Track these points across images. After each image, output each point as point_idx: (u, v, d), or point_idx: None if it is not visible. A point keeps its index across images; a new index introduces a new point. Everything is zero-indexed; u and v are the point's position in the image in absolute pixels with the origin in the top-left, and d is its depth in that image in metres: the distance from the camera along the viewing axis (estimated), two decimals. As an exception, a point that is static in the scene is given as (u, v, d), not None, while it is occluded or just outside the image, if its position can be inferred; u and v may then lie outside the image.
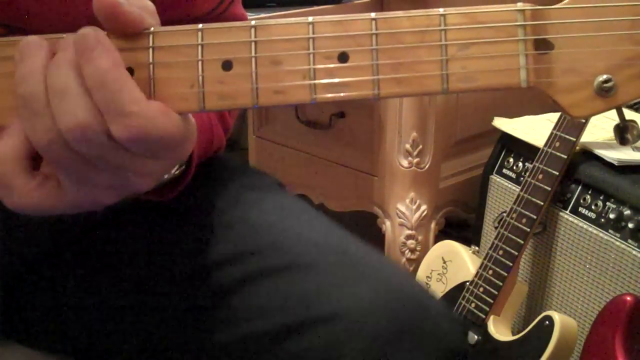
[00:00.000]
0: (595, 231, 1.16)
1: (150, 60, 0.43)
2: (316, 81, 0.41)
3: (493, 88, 0.41)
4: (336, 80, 0.41)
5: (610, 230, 1.14)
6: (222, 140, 0.68)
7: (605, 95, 0.40)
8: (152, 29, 0.43)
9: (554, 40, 0.40)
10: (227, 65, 0.42)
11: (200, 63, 0.42)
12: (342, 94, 0.41)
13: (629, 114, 1.33)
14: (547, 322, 1.13)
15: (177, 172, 0.58)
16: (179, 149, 0.45)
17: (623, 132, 0.42)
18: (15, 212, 0.45)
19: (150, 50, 0.43)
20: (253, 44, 0.42)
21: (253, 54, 0.42)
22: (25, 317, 0.68)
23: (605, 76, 0.40)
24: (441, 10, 0.41)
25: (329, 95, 0.41)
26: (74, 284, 0.66)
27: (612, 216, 1.14)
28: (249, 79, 0.42)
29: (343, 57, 0.41)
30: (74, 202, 0.45)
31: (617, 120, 0.42)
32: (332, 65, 0.41)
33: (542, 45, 0.40)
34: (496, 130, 1.36)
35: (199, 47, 0.42)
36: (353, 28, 0.41)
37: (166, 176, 0.57)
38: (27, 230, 0.66)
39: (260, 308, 0.58)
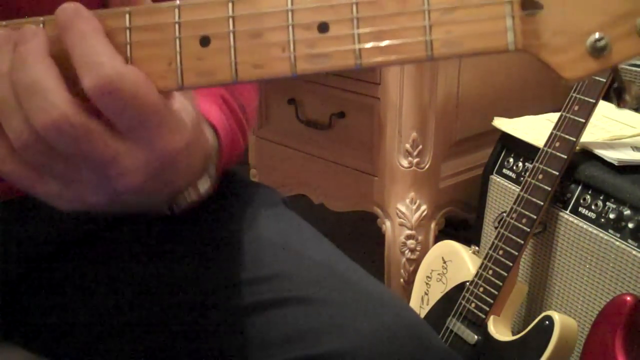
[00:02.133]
0: (595, 231, 1.16)
1: (128, 40, 0.42)
2: (296, 53, 0.40)
3: (479, 53, 0.39)
4: (317, 51, 0.40)
5: (610, 230, 1.14)
6: (242, 153, 0.67)
7: (599, 55, 0.38)
8: (129, 8, 0.43)
9: (541, 0, 0.39)
10: (205, 41, 0.42)
11: (177, 40, 0.42)
12: (323, 66, 0.40)
13: (629, 115, 1.33)
14: (547, 322, 1.13)
15: (205, 191, 0.55)
16: (161, 130, 0.43)
17: (621, 93, 0.41)
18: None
19: (128, 31, 0.42)
20: (231, 19, 0.41)
21: (231, 28, 0.41)
22: (25, 319, 0.68)
23: (597, 34, 0.38)
24: None
25: (310, 66, 0.40)
26: (75, 287, 0.66)
27: (612, 216, 1.14)
28: (228, 54, 0.41)
29: (323, 28, 0.40)
30: (62, 201, 0.45)
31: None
32: (312, 36, 0.40)
33: (530, 6, 0.39)
34: (496, 130, 1.36)
35: (176, 25, 0.42)
36: None
37: (195, 197, 0.54)
38: (27, 232, 0.66)
39: (262, 341, 0.58)
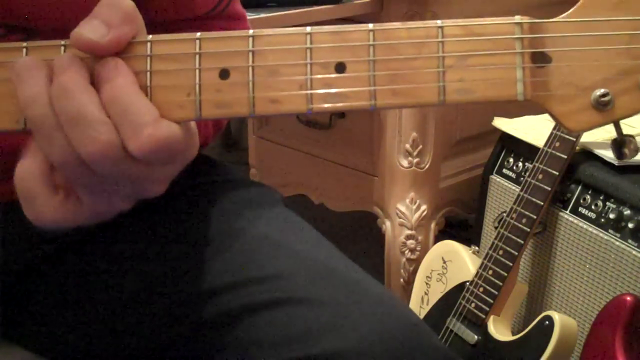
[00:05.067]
0: (595, 231, 1.16)
1: (148, 68, 0.43)
2: (313, 91, 0.41)
3: (490, 100, 0.41)
4: (333, 90, 0.41)
5: (610, 230, 1.14)
6: (208, 136, 0.68)
7: (603, 109, 0.40)
8: (150, 37, 0.44)
9: (551, 53, 0.40)
10: (224, 74, 0.42)
11: (197, 72, 0.42)
12: (338, 104, 0.41)
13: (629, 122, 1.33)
14: (547, 322, 1.13)
15: None
16: (187, 153, 0.46)
17: (620, 147, 0.42)
18: (36, 224, 0.46)
19: (148, 58, 0.43)
20: (251, 53, 0.42)
21: (250, 63, 0.42)
22: (26, 319, 0.68)
23: (602, 90, 0.39)
24: (439, 22, 0.41)
25: (326, 105, 0.41)
26: (74, 287, 0.66)
27: (612, 216, 1.14)
28: (246, 88, 0.42)
29: (340, 68, 0.41)
30: (92, 213, 0.46)
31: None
32: (329, 76, 0.41)
33: (540, 59, 0.40)
34: (496, 130, 1.36)
35: (197, 56, 0.42)
36: (351, 38, 0.41)
37: None
38: (27, 233, 0.66)
39: (258, 341, 0.58)
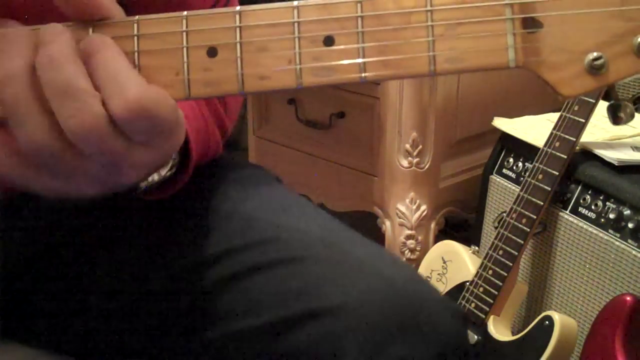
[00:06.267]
0: (595, 231, 1.16)
1: (136, 48, 0.43)
2: (302, 65, 0.41)
3: (481, 68, 0.40)
4: (322, 64, 0.41)
5: (610, 230, 1.14)
6: (219, 145, 0.68)
7: (596, 73, 0.39)
8: (137, 17, 0.43)
9: (542, 18, 0.39)
10: (212, 52, 0.42)
11: (185, 50, 0.42)
12: (328, 78, 0.41)
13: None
14: (547, 322, 1.13)
15: (167, 173, 0.58)
16: (171, 137, 0.44)
17: (616, 111, 0.41)
18: None
19: (135, 38, 0.43)
20: (238, 29, 0.42)
21: (238, 39, 0.42)
22: (25, 316, 0.68)
23: (595, 54, 0.39)
24: None
25: (315, 79, 0.41)
26: (73, 283, 0.66)
27: (612, 216, 1.14)
28: (234, 65, 0.42)
29: (329, 41, 0.41)
30: (55, 193, 0.45)
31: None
32: (317, 49, 0.41)
33: (531, 24, 0.40)
34: (496, 130, 1.36)
35: (184, 34, 0.42)
36: (338, 11, 0.41)
37: (156, 177, 0.57)
38: (26, 230, 0.66)
39: (257, 302, 0.58)
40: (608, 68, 0.39)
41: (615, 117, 0.41)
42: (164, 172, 0.57)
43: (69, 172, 0.44)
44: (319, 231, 0.62)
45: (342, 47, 0.41)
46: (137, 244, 0.66)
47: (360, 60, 0.41)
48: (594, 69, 0.39)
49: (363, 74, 0.41)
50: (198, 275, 0.62)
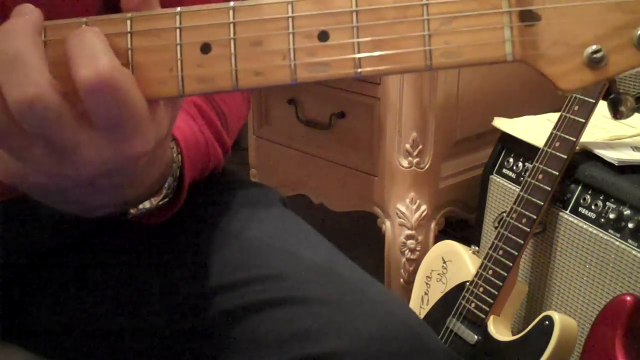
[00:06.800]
0: (595, 231, 1.16)
1: (129, 45, 0.42)
2: (296, 61, 0.41)
3: (478, 63, 0.39)
4: (317, 59, 0.40)
5: (610, 230, 1.14)
6: (220, 161, 0.67)
7: (596, 67, 0.38)
8: (130, 14, 0.43)
9: (540, 11, 0.39)
10: (205, 48, 0.42)
11: (178, 47, 0.42)
12: (323, 74, 0.40)
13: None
14: (547, 322, 1.13)
15: (161, 202, 0.56)
16: (135, 136, 0.42)
17: (617, 105, 0.41)
18: None
19: (129, 35, 0.42)
20: (232, 25, 0.41)
21: (232, 35, 0.41)
22: (25, 319, 0.68)
23: (594, 47, 0.38)
24: None
25: (310, 75, 0.41)
26: (74, 287, 0.66)
27: (612, 216, 1.14)
28: (228, 61, 0.41)
29: (323, 36, 0.40)
30: (2, 173, 0.44)
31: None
32: (312, 45, 0.40)
33: (528, 17, 0.39)
34: (496, 130, 1.36)
35: (177, 31, 0.42)
36: (333, 5, 0.40)
37: (147, 205, 0.55)
38: (26, 233, 0.66)
39: (257, 341, 0.58)
40: (607, 61, 0.38)
41: (616, 111, 0.41)
42: (155, 201, 0.55)
43: (18, 153, 0.43)
44: (323, 264, 0.61)
45: (337, 42, 0.40)
46: (139, 252, 0.66)
47: (355, 55, 0.40)
48: (593, 63, 0.38)
49: (358, 69, 0.40)
50: (196, 307, 0.61)
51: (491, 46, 0.39)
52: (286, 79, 0.41)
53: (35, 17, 0.42)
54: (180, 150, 0.56)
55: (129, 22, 0.43)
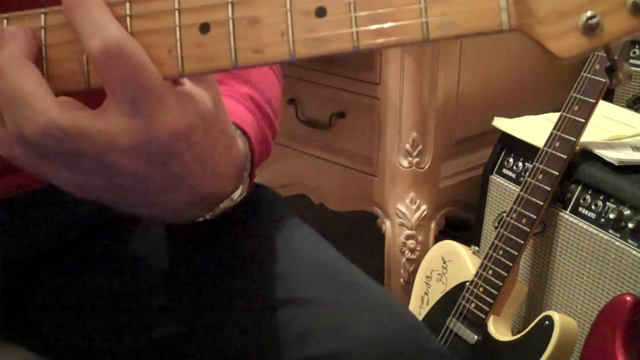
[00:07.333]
0: (595, 231, 1.16)
1: (129, 29, 0.43)
2: (294, 38, 0.41)
3: (475, 33, 0.39)
4: (315, 35, 0.41)
5: (610, 230, 1.14)
6: (270, 152, 0.66)
7: (592, 34, 0.38)
8: None
9: None
10: (204, 28, 0.42)
11: (177, 28, 0.42)
12: (321, 49, 0.41)
13: (629, 115, 1.33)
14: (547, 322, 1.13)
15: (241, 197, 0.55)
16: (161, 107, 0.42)
17: (613, 72, 0.40)
18: None
19: (128, 19, 0.43)
20: (230, 5, 0.42)
21: (230, 15, 0.42)
22: (25, 319, 0.68)
23: (589, 12, 0.38)
24: None
25: (308, 50, 0.41)
26: (74, 288, 0.66)
27: (612, 216, 1.14)
28: (227, 40, 0.42)
29: (321, 12, 0.41)
30: (72, 187, 0.45)
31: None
32: (310, 21, 0.41)
33: None
34: (496, 130, 1.36)
35: (176, 12, 0.42)
36: None
37: (226, 203, 0.54)
38: (27, 232, 0.66)
39: (260, 343, 0.58)
40: (602, 28, 0.38)
41: (613, 76, 0.41)
42: (235, 196, 0.55)
43: (66, 163, 0.43)
44: (322, 268, 0.62)
45: (334, 17, 0.41)
46: (136, 261, 0.65)
47: (353, 29, 0.40)
48: (589, 29, 0.38)
49: (356, 44, 0.40)
50: (198, 305, 0.61)
51: (487, 16, 0.39)
52: (285, 55, 0.41)
53: (17, 42, 0.42)
54: (250, 142, 0.55)
55: (128, 5, 0.43)
